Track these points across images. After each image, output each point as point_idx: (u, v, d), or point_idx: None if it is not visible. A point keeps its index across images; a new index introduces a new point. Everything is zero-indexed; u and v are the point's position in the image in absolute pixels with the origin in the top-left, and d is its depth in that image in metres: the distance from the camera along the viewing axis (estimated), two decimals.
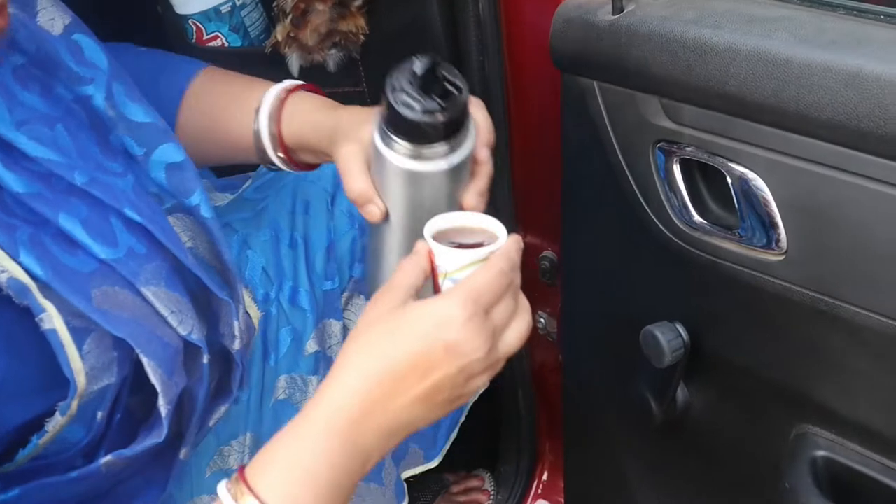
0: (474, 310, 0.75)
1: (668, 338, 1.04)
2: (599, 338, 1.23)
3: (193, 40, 1.46)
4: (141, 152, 0.90)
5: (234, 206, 1.24)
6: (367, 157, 0.90)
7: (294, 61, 1.42)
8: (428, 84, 0.84)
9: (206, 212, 0.92)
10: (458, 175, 0.88)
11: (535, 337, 1.43)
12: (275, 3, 1.40)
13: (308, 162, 1.03)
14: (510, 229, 1.44)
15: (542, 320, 1.43)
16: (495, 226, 0.84)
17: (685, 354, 1.05)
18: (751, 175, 0.94)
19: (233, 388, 1.00)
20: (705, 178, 1.02)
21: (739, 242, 0.98)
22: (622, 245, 1.12)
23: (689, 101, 0.97)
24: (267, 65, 1.42)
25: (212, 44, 1.46)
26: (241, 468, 0.75)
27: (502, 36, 1.23)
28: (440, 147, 0.85)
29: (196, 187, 0.91)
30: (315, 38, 1.37)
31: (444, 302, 0.75)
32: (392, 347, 0.74)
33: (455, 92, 0.85)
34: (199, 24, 1.45)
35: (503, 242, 0.81)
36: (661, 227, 1.05)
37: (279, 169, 1.04)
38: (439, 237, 0.82)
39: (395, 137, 0.85)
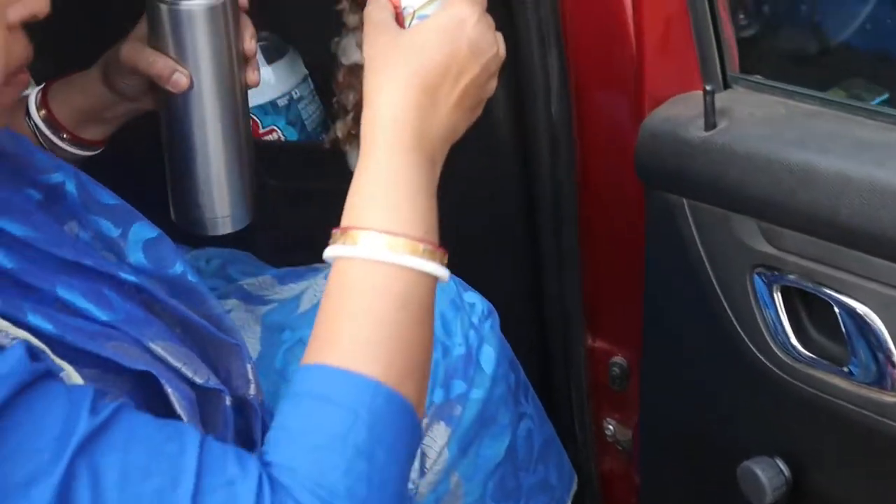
0: (480, 9, 0.80)
1: (768, 475, 0.98)
2: (685, 462, 1.17)
3: None
4: (117, 233, 0.89)
5: (313, 319, 1.19)
6: (147, 45, 0.95)
7: (354, 158, 1.36)
8: None
9: (192, 277, 0.92)
10: (237, 14, 0.95)
11: (602, 444, 1.38)
12: (335, 100, 1.36)
13: (97, 139, 1.06)
14: (579, 332, 1.40)
15: (611, 427, 1.37)
16: None
17: (787, 493, 0.99)
18: (864, 309, 0.89)
19: (256, 438, 0.96)
20: (808, 305, 0.96)
21: (849, 379, 0.92)
22: (714, 369, 1.06)
23: (793, 226, 0.92)
24: (326, 160, 1.39)
25: (268, 137, 1.43)
26: (335, 229, 0.76)
27: (575, 140, 1.19)
28: None
29: (177, 258, 0.91)
30: None
31: (452, 8, 0.79)
32: (421, 57, 0.77)
33: None
34: (255, 118, 1.41)
35: None
36: (758, 355, 0.99)
37: (79, 156, 1.05)
38: None
39: None
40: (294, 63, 1.42)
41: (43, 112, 1.04)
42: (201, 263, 1.25)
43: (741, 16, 1.44)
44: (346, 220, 0.76)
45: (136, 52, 0.95)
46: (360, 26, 1.29)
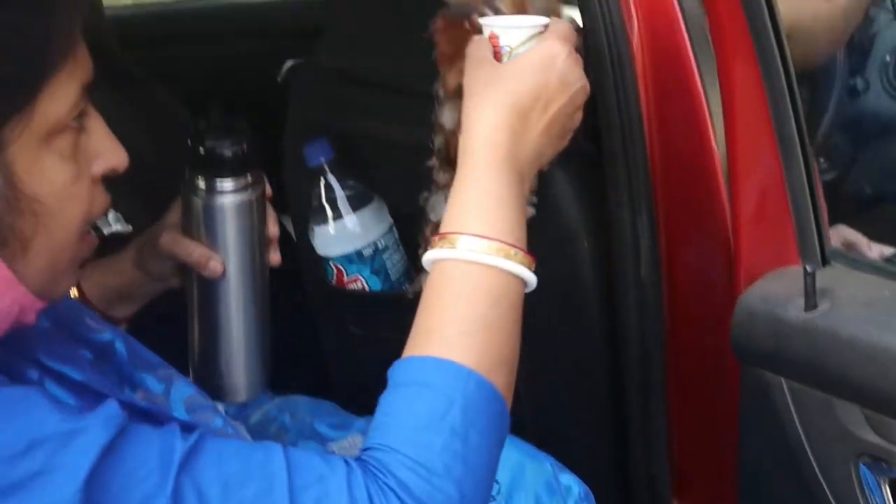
0: (570, 47, 0.87)
1: None
2: None
3: (333, 281, 1.43)
4: (161, 388, 0.93)
5: None
6: (181, 230, 1.02)
7: None
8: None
9: (230, 429, 0.94)
10: (263, 205, 1.03)
11: None
12: (420, 251, 1.36)
13: (124, 316, 1.10)
14: (666, 499, 1.36)
15: None
16: (534, 17, 0.92)
17: None
18: None
19: None
20: None
21: None
22: None
23: None
24: (411, 309, 1.38)
25: (352, 286, 1.43)
26: (434, 236, 0.83)
27: (664, 304, 1.17)
28: (243, 179, 1.00)
29: (216, 415, 0.95)
30: None
31: (545, 43, 0.87)
32: (515, 86, 0.85)
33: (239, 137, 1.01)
34: (339, 267, 1.42)
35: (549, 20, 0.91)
36: None
37: None
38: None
39: (215, 181, 0.99)
40: (380, 212, 1.43)
41: (74, 293, 1.07)
42: (286, 418, 1.24)
43: (821, 160, 1.42)
44: (444, 228, 0.83)
45: (173, 240, 1.02)
46: (449, 184, 1.30)
